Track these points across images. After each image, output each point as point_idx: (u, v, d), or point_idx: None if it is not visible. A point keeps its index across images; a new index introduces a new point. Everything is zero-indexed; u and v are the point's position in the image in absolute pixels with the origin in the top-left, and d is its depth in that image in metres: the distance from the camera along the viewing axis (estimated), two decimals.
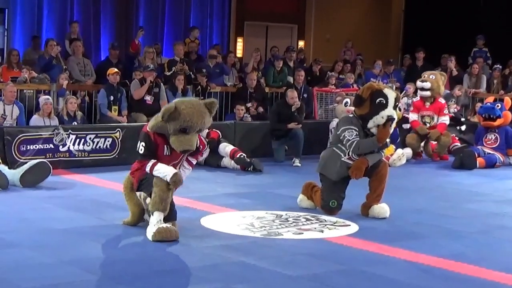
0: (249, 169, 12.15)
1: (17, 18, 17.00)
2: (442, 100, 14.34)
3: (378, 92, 8.74)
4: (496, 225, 8.78)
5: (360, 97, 8.90)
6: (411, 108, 14.45)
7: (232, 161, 12.28)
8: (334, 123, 13.62)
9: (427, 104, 14.13)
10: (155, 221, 7.35)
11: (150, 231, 7.32)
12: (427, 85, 13.92)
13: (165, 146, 7.55)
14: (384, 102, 8.66)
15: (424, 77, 14.18)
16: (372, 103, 8.66)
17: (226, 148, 12.40)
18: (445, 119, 14.08)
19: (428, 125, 14.00)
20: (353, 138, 8.69)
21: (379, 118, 8.64)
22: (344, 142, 8.75)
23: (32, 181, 10.06)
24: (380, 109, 8.66)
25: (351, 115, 9.21)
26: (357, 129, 8.75)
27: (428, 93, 13.96)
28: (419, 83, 14.19)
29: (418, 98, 14.45)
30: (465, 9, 20.08)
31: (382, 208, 8.93)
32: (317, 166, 9.17)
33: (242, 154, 12.28)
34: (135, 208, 7.93)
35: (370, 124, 8.72)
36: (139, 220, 7.93)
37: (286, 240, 7.66)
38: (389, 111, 8.68)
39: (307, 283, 6.25)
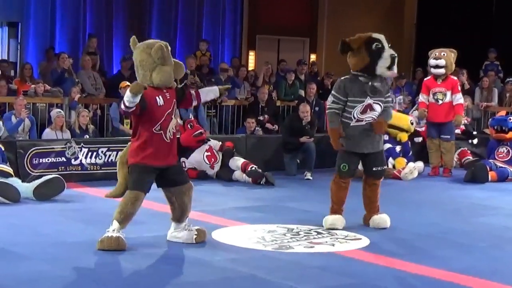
0: (261, 182, 12.17)
1: (30, 32, 17.08)
2: (454, 77, 14.18)
3: (370, 38, 8.76)
4: (507, 239, 8.75)
5: (353, 49, 8.81)
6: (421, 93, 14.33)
7: (244, 174, 12.31)
8: None
9: (439, 80, 13.95)
10: (110, 229, 7.46)
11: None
12: (442, 62, 13.76)
13: (157, 97, 7.56)
14: (380, 45, 8.68)
15: (437, 54, 13.97)
16: (369, 51, 8.67)
17: (237, 161, 12.45)
18: (459, 98, 13.93)
19: (440, 102, 13.76)
20: (329, 106, 8.95)
21: (385, 61, 8.63)
22: None
23: (45, 195, 10.11)
24: (381, 52, 8.67)
25: (345, 77, 9.11)
26: (338, 96, 8.88)
27: (442, 70, 13.79)
28: (432, 61, 13.96)
29: (428, 77, 14.35)
30: (477, 23, 20.09)
31: (381, 219, 8.99)
32: None
33: (253, 166, 12.31)
34: (122, 180, 7.95)
35: (379, 70, 8.71)
36: (122, 194, 7.93)
37: (297, 254, 7.67)
38: (389, 50, 8.69)
39: None
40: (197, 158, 12.64)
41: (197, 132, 12.84)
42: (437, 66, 13.78)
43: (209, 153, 12.72)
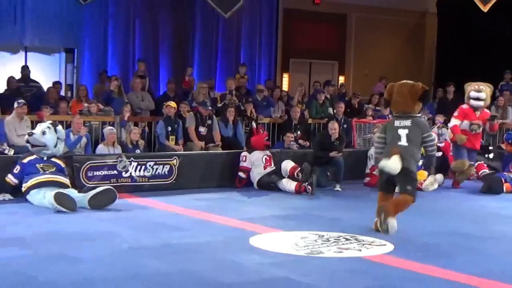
0: (307, 186, 12.17)
1: (85, 57, 17.26)
2: (488, 110, 13.85)
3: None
4: None
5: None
6: (456, 113, 13.71)
7: (289, 183, 12.38)
8: (372, 150, 13.62)
9: (477, 113, 13.47)
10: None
11: None
12: (483, 95, 13.33)
13: None
14: None
15: (476, 87, 13.48)
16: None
17: (288, 164, 12.64)
18: None
19: (474, 132, 13.46)
20: None
21: None
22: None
23: (99, 204, 10.17)
24: None
25: None
26: None
27: (482, 103, 13.36)
28: (474, 93, 13.34)
29: (465, 106, 13.61)
30: (494, 46, 19.95)
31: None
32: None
33: (302, 175, 12.38)
34: None
35: None
36: None
37: (327, 258, 7.65)
38: None
39: None
40: (258, 156, 12.78)
41: (266, 137, 13.30)
42: (478, 99, 13.27)
43: (268, 158, 12.87)
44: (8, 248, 7.64)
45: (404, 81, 9.56)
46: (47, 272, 6.72)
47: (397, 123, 9.32)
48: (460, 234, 9.26)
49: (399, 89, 9.41)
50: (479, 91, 13.31)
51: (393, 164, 8.79)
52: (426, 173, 13.51)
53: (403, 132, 9.24)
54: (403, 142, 9.18)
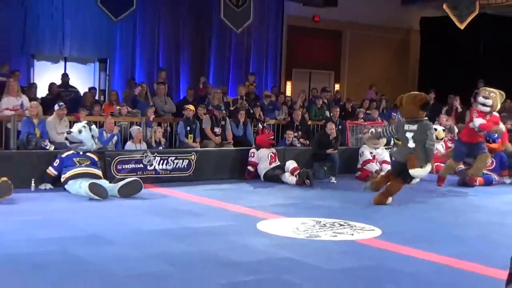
0: (305, 180, 12.11)
1: (116, 66, 17.28)
2: (497, 114, 13.06)
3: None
4: (492, 231, 8.68)
5: None
6: (475, 115, 12.93)
7: (291, 177, 12.32)
8: (363, 148, 13.62)
9: (487, 116, 12.61)
10: None
11: None
12: (489, 102, 12.55)
13: None
14: None
15: (486, 93, 12.72)
16: None
17: (291, 164, 12.57)
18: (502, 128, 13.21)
19: (480, 132, 12.68)
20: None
21: None
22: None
23: (127, 193, 10.20)
24: None
25: None
26: None
27: (487, 109, 12.52)
28: (481, 99, 12.63)
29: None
30: (468, 58, 19.92)
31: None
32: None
33: (302, 170, 12.36)
34: None
35: None
36: None
37: (324, 241, 7.66)
38: None
39: (340, 275, 6.25)
40: (265, 153, 12.75)
41: (271, 137, 13.26)
42: (483, 105, 12.54)
43: (273, 155, 12.83)
44: (50, 230, 7.69)
45: (412, 92, 10.67)
46: (83, 251, 6.75)
47: (406, 126, 10.38)
48: (439, 221, 9.27)
49: (407, 99, 10.44)
50: (486, 97, 12.72)
51: (422, 173, 10.33)
52: None
53: (409, 135, 10.31)
54: (411, 144, 10.29)
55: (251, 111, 15.06)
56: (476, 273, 6.41)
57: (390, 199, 10.48)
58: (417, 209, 10.29)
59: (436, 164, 14.47)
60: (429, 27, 21.59)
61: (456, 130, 16.11)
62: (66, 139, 11.02)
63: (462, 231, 8.59)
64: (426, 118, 10.55)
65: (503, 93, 13.05)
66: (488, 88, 13.04)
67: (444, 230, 8.61)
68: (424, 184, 12.69)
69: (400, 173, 10.46)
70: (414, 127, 10.30)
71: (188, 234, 7.74)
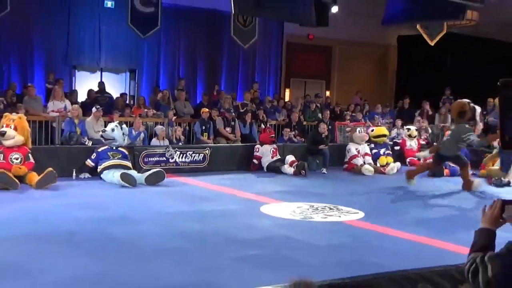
0: (301, 171, 12.09)
1: (143, 75, 17.29)
2: None
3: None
4: (455, 213, 8.70)
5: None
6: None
7: (289, 168, 12.28)
8: (350, 145, 13.61)
9: None
10: None
11: None
12: None
13: None
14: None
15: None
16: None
17: (290, 158, 12.54)
18: None
19: None
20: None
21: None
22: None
23: (152, 182, 10.20)
24: None
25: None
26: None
27: None
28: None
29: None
30: (437, 70, 19.85)
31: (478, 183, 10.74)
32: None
33: (298, 162, 12.37)
34: None
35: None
36: None
37: (316, 222, 7.67)
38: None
39: (329, 249, 6.29)
40: (267, 149, 12.72)
41: (272, 135, 13.17)
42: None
43: (274, 150, 12.79)
44: (88, 211, 7.72)
45: (458, 100, 11.19)
46: (115, 229, 6.78)
47: (452, 127, 11.63)
48: (411, 204, 9.27)
49: (452, 106, 11.41)
50: None
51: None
52: (386, 158, 13.53)
53: (448, 132, 11.67)
54: (446, 137, 11.43)
55: (256, 113, 15.05)
56: (441, 248, 6.42)
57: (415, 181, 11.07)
58: (394, 195, 10.29)
59: (409, 158, 14.49)
60: (404, 43, 21.54)
61: (430, 130, 16.11)
62: (102, 136, 11.05)
63: (431, 212, 8.62)
64: (464, 123, 10.69)
65: None
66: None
67: (417, 211, 8.62)
68: (399, 174, 12.70)
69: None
70: (453, 126, 11.35)
71: (203, 216, 7.77)
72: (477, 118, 11.14)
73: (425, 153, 12.65)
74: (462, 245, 6.21)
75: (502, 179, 11.57)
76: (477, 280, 2.30)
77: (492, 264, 2.26)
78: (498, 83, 1.32)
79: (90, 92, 14.74)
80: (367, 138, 13.70)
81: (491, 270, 2.26)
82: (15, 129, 9.85)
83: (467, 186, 10.75)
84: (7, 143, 9.71)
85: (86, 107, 13.09)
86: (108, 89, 15.69)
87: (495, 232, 2.41)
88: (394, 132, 15.42)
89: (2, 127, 9.37)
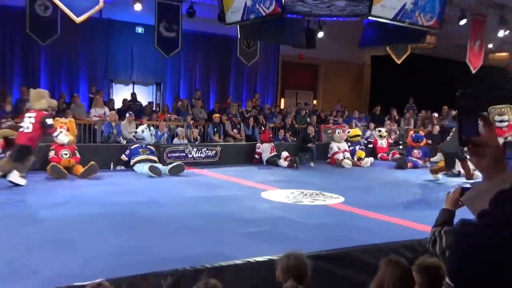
0: (293, 165, 12.07)
1: (167, 87, 17.28)
2: None
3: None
4: (418, 197, 8.68)
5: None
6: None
7: (284, 161, 12.27)
8: (332, 144, 13.60)
9: (504, 128, 11.24)
10: None
11: None
12: (506, 117, 11.23)
13: None
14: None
15: (502, 110, 11.09)
16: None
17: (284, 153, 12.52)
18: None
19: (510, 138, 11.44)
20: None
21: None
22: None
23: (175, 172, 10.21)
24: None
25: None
26: None
27: (505, 123, 11.22)
28: (498, 117, 11.16)
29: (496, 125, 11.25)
30: (403, 83, 19.79)
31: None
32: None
33: (291, 157, 12.35)
34: None
35: None
36: None
37: (306, 205, 7.68)
38: None
39: (316, 227, 6.27)
40: (266, 146, 12.69)
41: (270, 135, 13.16)
42: (502, 121, 11.06)
43: (272, 147, 12.76)
44: (123, 196, 7.73)
45: None
46: (145, 210, 6.79)
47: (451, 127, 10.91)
48: (383, 191, 9.24)
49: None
50: (502, 114, 11.22)
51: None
52: (363, 153, 13.53)
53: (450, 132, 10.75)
54: (449, 137, 10.44)
55: (257, 118, 15.05)
56: (403, 225, 6.42)
57: (440, 175, 10.65)
58: (369, 183, 10.29)
59: (380, 154, 14.49)
60: (377, 62, 21.51)
61: (397, 132, 16.10)
62: (134, 136, 11.07)
63: (399, 198, 8.58)
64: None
65: (511, 106, 11.52)
66: (499, 106, 11.35)
67: (388, 197, 8.60)
68: (372, 167, 12.71)
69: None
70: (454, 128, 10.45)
71: (215, 200, 7.78)
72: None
73: (437, 156, 12.49)
74: (421, 223, 6.25)
75: (453, 171, 11.59)
76: (435, 249, 2.33)
77: (446, 236, 2.28)
78: (457, 93, 1.33)
79: (124, 100, 14.75)
80: (345, 138, 13.73)
81: (445, 241, 2.28)
82: (67, 130, 9.87)
83: (469, 176, 10.37)
84: (60, 141, 9.70)
85: (121, 113, 13.10)
86: (139, 98, 15.68)
87: (454, 212, 2.43)
88: (368, 133, 15.41)
89: (56, 129, 9.37)
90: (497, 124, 11.50)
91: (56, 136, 9.32)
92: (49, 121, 8.59)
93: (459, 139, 1.31)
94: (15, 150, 8.38)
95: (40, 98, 8.64)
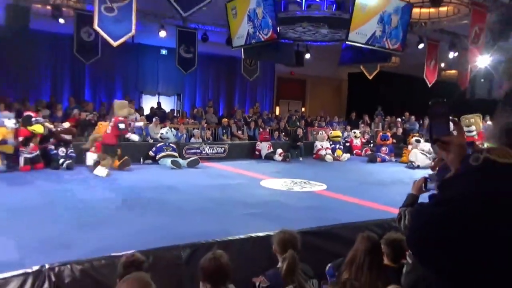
0: (286, 159, 12.03)
1: (186, 97, 17.26)
2: (483, 130, 10.13)
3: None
4: (387, 185, 8.64)
5: None
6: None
7: (279, 156, 12.23)
8: (316, 143, 13.57)
9: (475, 136, 9.90)
10: None
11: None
12: (472, 128, 9.98)
13: None
14: None
15: (471, 121, 9.76)
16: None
17: (279, 150, 12.49)
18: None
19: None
20: None
21: None
22: None
23: (192, 165, 10.19)
24: None
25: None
26: None
27: (473, 133, 9.92)
28: (465, 128, 9.47)
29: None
30: (373, 94, 19.71)
31: None
32: None
33: (284, 153, 12.31)
34: None
35: None
36: None
37: (296, 191, 7.65)
38: None
39: (305, 209, 6.24)
40: (264, 144, 12.64)
41: (267, 135, 13.07)
42: (469, 132, 9.74)
43: (269, 145, 12.68)
44: (149, 184, 7.70)
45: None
46: (167, 195, 6.76)
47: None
48: (359, 181, 9.18)
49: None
50: (468, 125, 9.94)
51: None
52: (341, 151, 13.48)
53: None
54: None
55: (257, 122, 15.02)
56: (373, 208, 6.37)
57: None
58: (347, 174, 10.26)
59: (355, 151, 14.45)
60: (352, 78, 21.42)
61: (369, 133, 16.04)
62: (160, 137, 11.06)
63: (373, 186, 8.54)
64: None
65: (480, 115, 10.34)
66: (467, 116, 10.02)
67: (364, 186, 8.55)
68: (349, 161, 12.68)
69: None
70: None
71: (223, 187, 7.74)
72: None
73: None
74: (389, 206, 6.24)
75: (413, 164, 11.54)
76: (401, 225, 2.33)
77: (409, 215, 2.28)
78: (430, 102, 1.34)
79: (151, 108, 14.72)
80: (326, 138, 13.70)
81: (408, 219, 2.27)
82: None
83: (433, 168, 9.88)
84: (132, 140, 9.52)
85: (149, 118, 13.08)
86: (163, 106, 15.67)
87: (418, 197, 2.43)
88: (345, 134, 15.34)
89: (128, 131, 9.17)
90: (466, 134, 10.36)
91: (129, 137, 9.29)
92: (122, 125, 8.64)
93: (430, 138, 1.31)
94: (102, 147, 8.59)
95: (123, 108, 8.72)
